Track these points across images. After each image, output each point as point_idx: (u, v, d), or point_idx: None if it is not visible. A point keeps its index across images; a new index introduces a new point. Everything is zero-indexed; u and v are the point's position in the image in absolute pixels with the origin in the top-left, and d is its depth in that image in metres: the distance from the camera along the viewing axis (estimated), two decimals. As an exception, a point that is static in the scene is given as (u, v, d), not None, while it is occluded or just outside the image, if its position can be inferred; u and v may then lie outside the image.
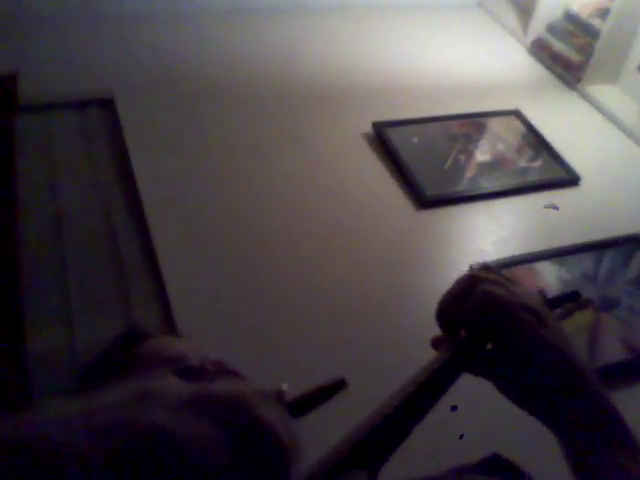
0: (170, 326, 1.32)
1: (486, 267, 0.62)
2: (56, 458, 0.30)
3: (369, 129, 1.91)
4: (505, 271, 1.52)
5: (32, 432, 0.32)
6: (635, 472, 0.50)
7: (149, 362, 0.49)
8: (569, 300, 0.69)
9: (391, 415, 0.46)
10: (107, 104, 1.85)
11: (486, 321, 0.55)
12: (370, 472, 0.42)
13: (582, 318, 1.44)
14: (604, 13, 2.26)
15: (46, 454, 0.30)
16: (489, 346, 0.58)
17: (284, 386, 0.39)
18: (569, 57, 2.34)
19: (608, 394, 0.54)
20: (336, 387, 0.46)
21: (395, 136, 1.88)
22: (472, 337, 0.57)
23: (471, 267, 0.54)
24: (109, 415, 0.34)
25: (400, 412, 0.47)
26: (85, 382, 0.57)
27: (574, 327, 1.41)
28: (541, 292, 0.60)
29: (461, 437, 1.12)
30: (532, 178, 1.85)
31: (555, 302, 0.66)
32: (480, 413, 1.16)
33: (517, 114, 2.08)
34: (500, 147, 1.95)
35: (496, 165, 1.87)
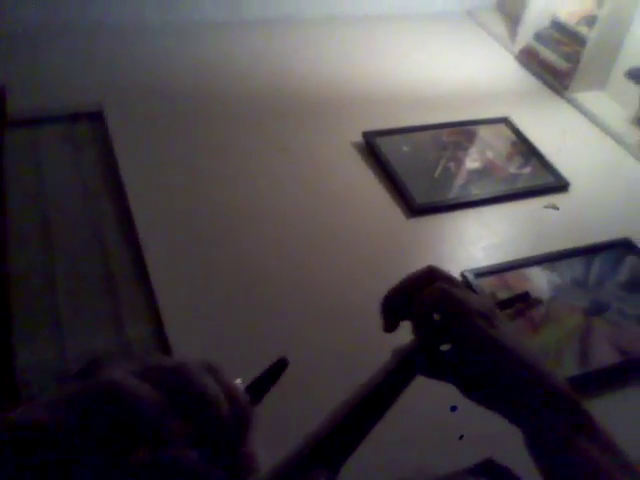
0: (160, 338, 1.31)
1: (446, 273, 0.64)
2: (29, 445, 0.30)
3: (359, 138, 1.91)
4: (496, 277, 1.52)
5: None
6: (597, 458, 0.51)
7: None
8: (520, 301, 0.73)
9: (350, 414, 0.47)
10: (97, 117, 1.86)
11: (440, 320, 0.57)
12: (330, 472, 0.43)
13: (572, 321, 1.44)
14: (591, 21, 2.28)
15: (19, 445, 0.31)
16: (445, 347, 0.60)
17: (237, 380, 0.40)
18: (557, 65, 2.36)
19: (567, 385, 0.55)
20: (278, 368, 0.47)
21: (385, 145, 1.89)
22: (430, 335, 0.58)
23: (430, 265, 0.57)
24: (71, 389, 0.34)
25: (359, 411, 0.48)
26: None
27: (564, 331, 1.41)
28: (492, 295, 0.63)
29: (461, 437, 1.12)
30: (522, 185, 1.86)
31: (506, 303, 0.70)
32: (480, 413, 1.15)
33: (506, 122, 2.09)
34: (490, 154, 1.95)
35: (486, 172, 1.88)
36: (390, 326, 0.62)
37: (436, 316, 0.59)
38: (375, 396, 0.50)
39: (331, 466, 0.43)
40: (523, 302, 0.73)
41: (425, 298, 0.57)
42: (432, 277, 0.59)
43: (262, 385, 0.45)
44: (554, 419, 0.53)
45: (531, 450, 0.55)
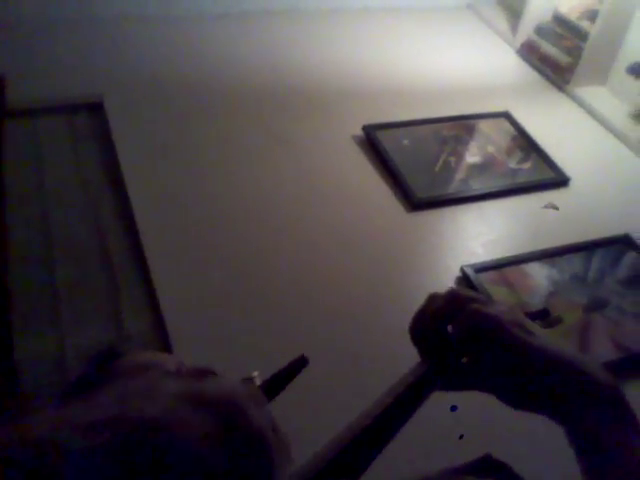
0: (161, 332, 1.31)
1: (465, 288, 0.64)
2: (47, 464, 0.30)
3: (359, 132, 1.91)
4: (495, 272, 1.53)
5: (21, 438, 0.32)
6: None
7: (125, 373, 0.50)
8: (539, 318, 0.73)
9: (371, 425, 0.47)
10: (97, 108, 1.85)
11: (476, 339, 0.57)
12: None
13: (571, 317, 1.44)
14: (592, 15, 2.27)
15: (36, 459, 0.30)
16: (464, 359, 0.60)
17: (255, 373, 0.40)
18: (558, 59, 2.35)
19: (613, 380, 0.56)
20: (299, 365, 0.47)
21: (385, 139, 1.89)
22: (455, 352, 0.59)
23: (451, 288, 0.56)
24: (98, 412, 0.33)
25: (379, 422, 0.48)
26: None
27: (563, 327, 1.42)
28: (522, 309, 0.62)
29: (461, 437, 1.12)
30: (522, 179, 1.86)
31: None
32: (480, 413, 1.16)
33: (507, 116, 2.08)
34: (490, 149, 1.95)
35: (486, 167, 1.88)
36: (428, 355, 0.62)
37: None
38: (394, 409, 0.50)
39: (351, 476, 0.43)
40: (542, 319, 0.73)
41: (462, 326, 0.58)
42: (458, 302, 0.59)
43: (279, 381, 0.45)
44: (599, 412, 0.54)
45: (575, 446, 0.56)
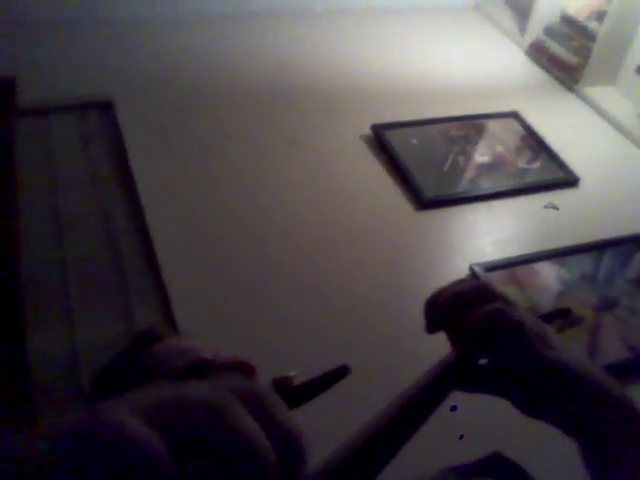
0: (170, 325, 1.32)
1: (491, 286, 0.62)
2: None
3: (368, 131, 1.91)
4: (505, 271, 1.52)
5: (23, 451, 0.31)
6: None
7: (165, 358, 0.50)
8: (560, 317, 0.70)
9: (384, 428, 0.46)
10: (106, 107, 1.86)
11: (493, 338, 0.55)
12: None
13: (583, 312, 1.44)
14: (601, 15, 2.27)
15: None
16: (482, 362, 0.59)
17: (292, 373, 0.39)
18: (566, 59, 2.35)
19: (626, 394, 0.55)
20: (340, 374, 0.46)
21: (394, 138, 1.89)
22: (474, 349, 0.57)
23: (483, 281, 0.55)
24: (73, 421, 0.31)
25: (393, 425, 0.47)
26: (104, 384, 0.57)
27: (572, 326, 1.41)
28: (532, 309, 0.60)
29: (461, 437, 1.12)
30: (531, 179, 1.86)
31: (546, 319, 0.67)
32: (480, 413, 1.16)
33: (515, 116, 2.08)
34: (499, 148, 1.95)
35: (495, 166, 1.88)
36: (432, 330, 0.60)
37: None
38: (410, 410, 0.49)
39: (364, 478, 0.42)
40: (564, 318, 0.71)
41: (482, 318, 0.56)
42: (484, 295, 0.57)
43: (315, 387, 0.44)
44: (614, 430, 0.53)
45: (588, 462, 0.55)
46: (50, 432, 0.27)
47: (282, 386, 0.45)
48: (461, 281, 0.60)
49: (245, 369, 0.49)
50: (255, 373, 0.48)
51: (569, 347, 0.57)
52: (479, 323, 0.55)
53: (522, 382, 0.57)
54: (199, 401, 0.28)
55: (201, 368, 0.47)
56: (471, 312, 0.55)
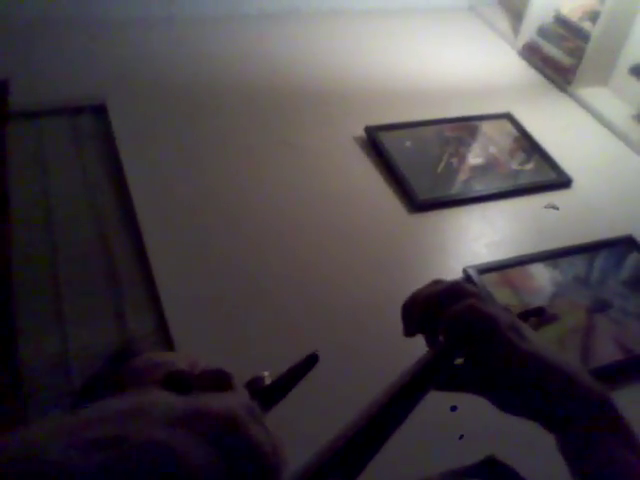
0: (163, 332, 1.31)
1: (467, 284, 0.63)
2: (46, 476, 0.30)
3: (361, 133, 1.91)
4: (498, 274, 1.52)
5: (22, 450, 0.32)
6: (634, 463, 0.51)
7: (141, 372, 0.50)
8: (535, 315, 0.72)
9: (366, 426, 0.47)
10: (99, 110, 1.85)
11: (468, 335, 0.56)
12: None
13: (574, 319, 1.44)
14: (594, 16, 2.27)
15: (36, 472, 0.30)
16: (459, 361, 0.60)
17: (265, 373, 0.39)
18: (560, 60, 2.35)
19: (604, 390, 0.56)
20: (308, 364, 0.46)
21: (387, 140, 1.89)
22: (451, 347, 0.58)
23: (456, 280, 0.57)
24: (103, 429, 0.33)
25: (374, 423, 0.47)
26: (82, 400, 0.57)
27: (566, 328, 1.41)
28: (506, 308, 0.62)
29: (461, 437, 1.12)
30: (524, 181, 1.86)
31: (521, 317, 0.69)
32: (480, 413, 1.16)
33: (509, 117, 2.08)
34: (492, 150, 1.95)
35: (488, 168, 1.88)
36: (410, 332, 0.62)
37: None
38: (390, 408, 0.50)
39: (348, 476, 0.43)
40: (537, 316, 0.73)
41: (455, 316, 0.57)
42: (458, 293, 0.58)
43: (289, 381, 0.45)
44: (590, 421, 0.53)
45: (564, 453, 0.55)
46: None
47: (255, 388, 0.46)
48: (436, 282, 0.61)
49: (221, 378, 0.49)
50: (232, 381, 0.48)
51: (541, 340, 0.58)
52: (454, 319, 0.56)
53: (496, 377, 0.57)
54: (219, 413, 0.34)
55: (178, 380, 0.47)
56: (445, 310, 0.56)
